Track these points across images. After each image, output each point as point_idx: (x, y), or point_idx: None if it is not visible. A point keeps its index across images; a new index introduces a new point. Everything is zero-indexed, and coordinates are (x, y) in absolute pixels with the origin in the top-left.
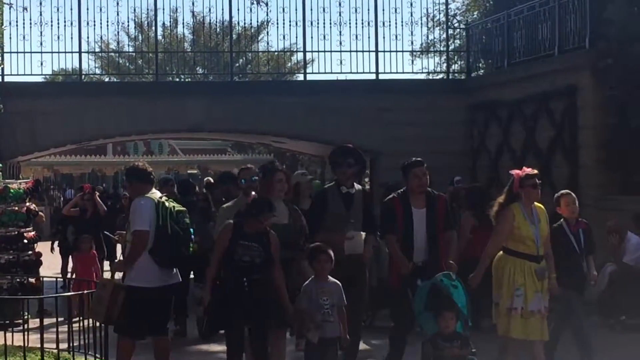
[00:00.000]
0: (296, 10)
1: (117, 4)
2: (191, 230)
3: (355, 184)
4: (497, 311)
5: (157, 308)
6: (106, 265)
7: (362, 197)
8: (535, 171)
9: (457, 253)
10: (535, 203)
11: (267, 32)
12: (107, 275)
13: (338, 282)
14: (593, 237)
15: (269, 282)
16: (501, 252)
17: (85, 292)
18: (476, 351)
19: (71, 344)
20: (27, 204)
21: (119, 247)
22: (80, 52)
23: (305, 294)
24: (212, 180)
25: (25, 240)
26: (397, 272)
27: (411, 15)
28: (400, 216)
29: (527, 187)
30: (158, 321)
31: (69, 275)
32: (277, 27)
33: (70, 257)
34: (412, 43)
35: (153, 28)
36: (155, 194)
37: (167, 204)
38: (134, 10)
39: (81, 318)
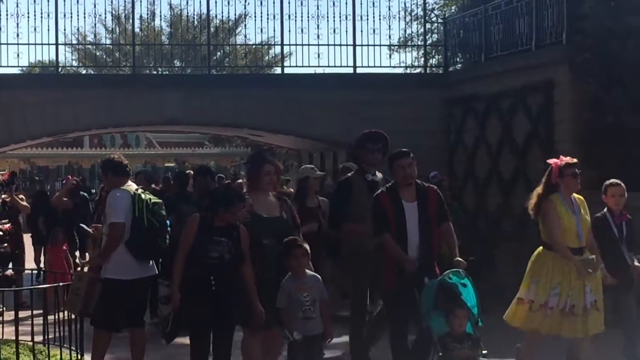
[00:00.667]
0: (274, 3)
1: None
2: (168, 222)
3: (377, 171)
4: (520, 306)
5: (133, 300)
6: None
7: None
8: (575, 160)
9: (455, 243)
10: (574, 194)
11: (245, 25)
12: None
13: (317, 275)
14: (634, 231)
15: (238, 280)
16: (541, 248)
17: (61, 284)
18: (487, 352)
19: (46, 337)
20: (4, 196)
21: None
22: (57, 44)
23: (284, 292)
24: (191, 173)
25: (0, 232)
26: (391, 272)
27: (389, 9)
28: (391, 212)
29: (566, 176)
30: (134, 313)
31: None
32: (255, 20)
33: (42, 248)
34: (389, 37)
35: (130, 20)
36: (131, 186)
37: (143, 196)
38: (111, 2)
39: (56, 311)
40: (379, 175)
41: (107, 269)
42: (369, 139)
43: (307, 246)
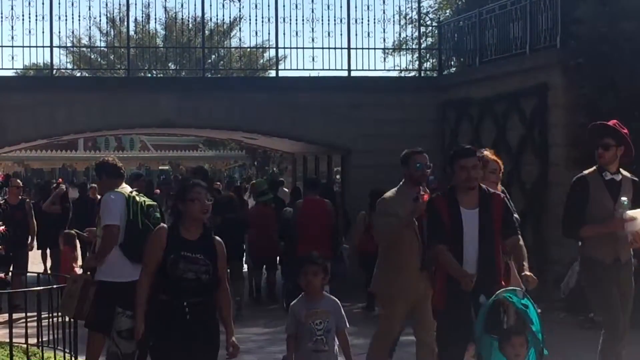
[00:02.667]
0: (268, 6)
1: None
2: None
3: (622, 170)
4: None
5: (127, 302)
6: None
7: (631, 186)
8: None
9: (524, 258)
10: None
11: (240, 29)
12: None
13: (335, 300)
14: None
15: (212, 307)
16: None
17: (55, 287)
18: None
19: (40, 339)
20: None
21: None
22: (51, 47)
23: (293, 317)
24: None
25: None
26: (442, 289)
27: (383, 12)
28: (447, 219)
29: None
30: (109, 317)
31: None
32: (250, 23)
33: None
34: (384, 40)
35: (125, 23)
36: (126, 188)
37: (137, 198)
38: (106, 5)
39: (50, 313)
40: (624, 173)
41: (101, 271)
42: (596, 131)
43: (324, 263)
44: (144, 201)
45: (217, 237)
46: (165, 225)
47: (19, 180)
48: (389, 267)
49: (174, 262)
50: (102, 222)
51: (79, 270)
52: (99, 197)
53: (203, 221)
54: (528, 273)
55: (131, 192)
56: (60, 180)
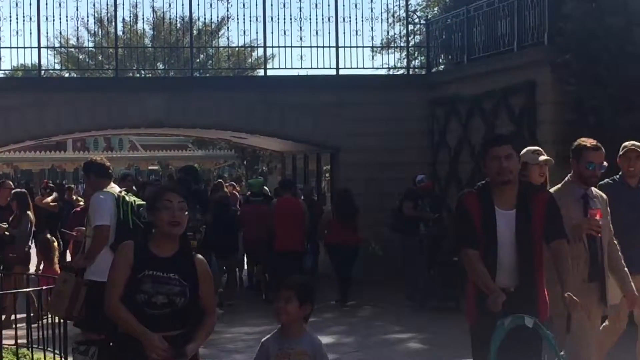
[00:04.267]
0: (256, 5)
1: None
2: None
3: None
4: None
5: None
6: None
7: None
8: None
9: (568, 272)
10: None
11: (228, 28)
12: None
13: (317, 338)
14: None
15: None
16: None
17: (44, 288)
18: None
19: (30, 340)
20: None
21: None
22: (39, 48)
23: (263, 355)
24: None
25: None
26: (473, 301)
27: (371, 10)
28: (478, 220)
29: None
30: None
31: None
32: (238, 22)
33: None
34: (372, 39)
35: (113, 23)
36: (115, 188)
37: (127, 198)
38: (94, 5)
39: (40, 314)
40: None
41: (92, 271)
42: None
43: (302, 288)
44: (134, 201)
45: (199, 255)
46: (131, 241)
47: (9, 182)
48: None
49: (138, 282)
50: (92, 222)
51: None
52: (74, 197)
53: (175, 235)
54: (571, 295)
55: (120, 191)
56: (45, 181)
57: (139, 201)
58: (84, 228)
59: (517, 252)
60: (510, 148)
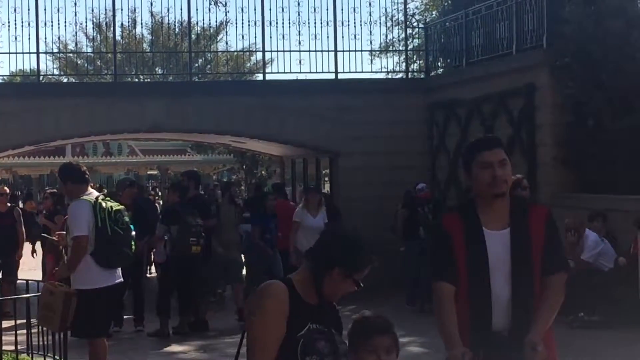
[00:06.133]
0: (255, 10)
1: (75, 4)
2: (131, 227)
3: None
4: None
5: (102, 308)
6: None
7: None
8: None
9: (554, 312)
10: None
11: (226, 32)
12: None
13: None
14: None
15: None
16: None
17: (31, 295)
18: None
19: (30, 346)
20: None
21: None
22: (37, 53)
23: None
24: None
25: None
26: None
27: (370, 14)
28: (461, 245)
29: None
30: (100, 322)
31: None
32: (236, 27)
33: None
34: (371, 42)
35: (111, 28)
36: (92, 194)
37: (104, 204)
38: (92, 10)
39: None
40: None
41: (76, 280)
42: None
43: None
44: (111, 207)
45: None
46: (280, 282)
47: (6, 188)
48: None
49: (308, 340)
50: (70, 233)
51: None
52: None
53: None
54: (537, 339)
55: (97, 197)
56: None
57: (116, 206)
58: (64, 232)
59: (514, 283)
60: (503, 152)
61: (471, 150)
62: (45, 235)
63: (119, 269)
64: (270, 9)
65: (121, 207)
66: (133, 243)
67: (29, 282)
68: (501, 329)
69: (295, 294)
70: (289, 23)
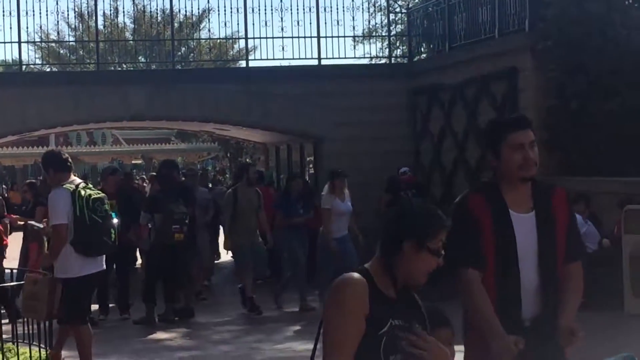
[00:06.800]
0: None
1: None
2: (113, 214)
3: None
4: None
5: (83, 296)
6: None
7: None
8: None
9: (578, 301)
10: None
11: (209, 20)
12: None
13: None
14: None
15: None
16: None
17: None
18: None
19: (15, 335)
20: None
21: None
22: (19, 42)
23: None
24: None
25: None
26: (476, 342)
27: (353, 0)
28: (489, 229)
29: None
30: (84, 309)
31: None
32: (219, 14)
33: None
34: (354, 28)
35: (93, 17)
36: (74, 181)
37: (82, 192)
38: None
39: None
40: None
41: (59, 269)
42: None
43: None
44: (90, 195)
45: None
46: (358, 276)
47: None
48: None
49: (391, 338)
50: (50, 221)
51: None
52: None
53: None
54: (574, 326)
55: (78, 185)
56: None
57: (95, 194)
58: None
59: (542, 270)
60: (532, 133)
61: (501, 129)
62: (32, 223)
63: (102, 256)
64: None
65: (101, 195)
66: (113, 231)
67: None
68: (527, 318)
69: (374, 287)
70: (271, 10)
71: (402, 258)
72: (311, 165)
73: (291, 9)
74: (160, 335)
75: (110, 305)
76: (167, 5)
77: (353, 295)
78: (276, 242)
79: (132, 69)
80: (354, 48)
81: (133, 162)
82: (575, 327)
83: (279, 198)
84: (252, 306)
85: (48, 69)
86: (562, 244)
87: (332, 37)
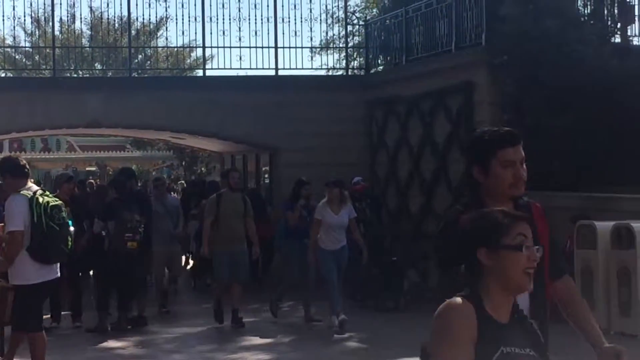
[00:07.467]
0: (195, 6)
1: None
2: (69, 222)
3: None
4: None
5: (38, 303)
6: None
7: None
8: None
9: (593, 321)
10: None
11: (167, 28)
12: None
13: None
14: None
15: None
16: None
17: None
18: None
19: None
20: None
21: None
22: None
23: None
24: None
25: None
26: None
27: (310, 11)
28: None
29: None
30: (40, 316)
31: None
32: (177, 22)
33: None
34: (311, 39)
35: (50, 23)
36: (31, 188)
37: (40, 199)
38: (31, 4)
39: None
40: None
41: (13, 275)
42: None
43: None
44: (48, 202)
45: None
46: (462, 300)
47: None
48: None
49: None
50: (6, 227)
51: None
52: None
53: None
54: (610, 345)
55: (35, 192)
56: None
57: (53, 202)
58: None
59: (531, 292)
60: (521, 147)
61: (491, 144)
62: None
63: (57, 264)
64: (210, 5)
65: (59, 202)
66: (70, 239)
67: None
68: None
69: (482, 311)
70: (230, 19)
71: (487, 271)
72: (267, 175)
73: (249, 19)
74: (112, 343)
75: (63, 312)
76: (125, 13)
77: (458, 322)
78: (282, 251)
79: (88, 75)
80: (312, 59)
81: (87, 169)
82: (621, 350)
83: None
84: (233, 318)
85: (3, 74)
86: (546, 260)
87: (289, 47)
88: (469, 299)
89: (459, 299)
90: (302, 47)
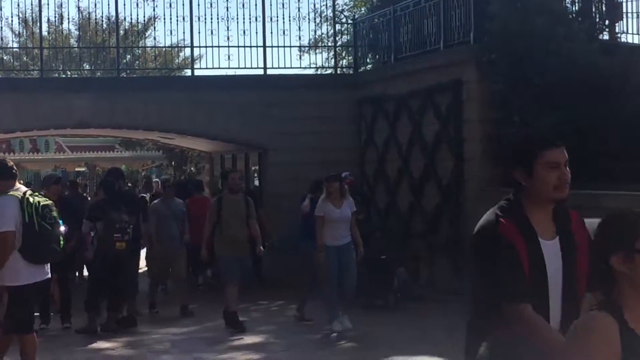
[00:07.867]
0: (183, 5)
1: None
2: (60, 222)
3: None
4: None
5: (29, 304)
6: None
7: None
8: None
9: None
10: None
11: (155, 28)
12: None
13: None
14: None
15: None
16: None
17: None
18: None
19: None
20: None
21: None
22: None
23: None
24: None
25: None
26: None
27: (299, 10)
28: (524, 260)
29: None
30: (31, 317)
31: None
32: (165, 22)
33: None
34: (300, 38)
35: (38, 24)
36: (20, 189)
37: (31, 199)
38: (18, 5)
39: None
40: None
41: (5, 276)
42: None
43: None
44: (39, 202)
45: None
46: (604, 315)
47: None
48: None
49: None
50: None
51: None
52: None
53: None
54: None
55: (25, 192)
56: None
57: (44, 201)
58: None
59: (565, 303)
60: (564, 148)
61: (535, 146)
62: None
63: (47, 265)
64: (198, 5)
65: (49, 202)
66: (62, 239)
67: None
68: None
69: (624, 325)
70: (218, 18)
71: (623, 278)
72: (256, 175)
73: (237, 18)
74: (102, 344)
75: (52, 313)
76: (113, 13)
77: (601, 341)
78: (301, 252)
79: (76, 76)
80: (300, 58)
81: (76, 169)
82: None
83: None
84: (235, 322)
85: None
86: (584, 271)
87: (278, 46)
88: (611, 310)
89: (601, 315)
90: (290, 46)
